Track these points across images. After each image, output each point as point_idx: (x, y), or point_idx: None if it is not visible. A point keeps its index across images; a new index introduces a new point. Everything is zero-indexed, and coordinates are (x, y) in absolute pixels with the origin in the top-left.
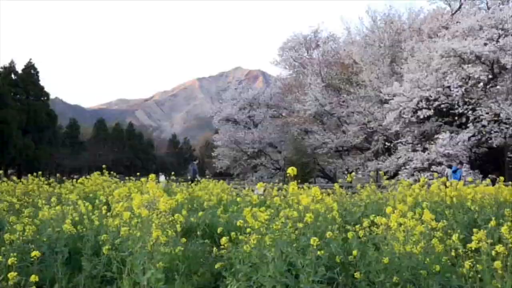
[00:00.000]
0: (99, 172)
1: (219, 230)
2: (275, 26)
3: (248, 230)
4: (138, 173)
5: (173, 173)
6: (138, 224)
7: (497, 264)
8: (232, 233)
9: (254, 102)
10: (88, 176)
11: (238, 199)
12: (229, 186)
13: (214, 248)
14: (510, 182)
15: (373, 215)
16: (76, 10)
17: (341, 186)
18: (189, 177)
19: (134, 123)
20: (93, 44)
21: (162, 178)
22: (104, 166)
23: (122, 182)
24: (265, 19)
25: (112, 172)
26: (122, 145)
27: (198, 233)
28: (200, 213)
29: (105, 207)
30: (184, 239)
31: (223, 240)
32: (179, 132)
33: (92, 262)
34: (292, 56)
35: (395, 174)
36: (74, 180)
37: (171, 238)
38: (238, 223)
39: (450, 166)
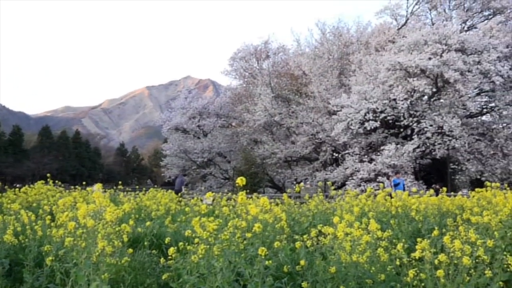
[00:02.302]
0: (43, 181)
1: (167, 240)
2: (226, 36)
3: (196, 240)
4: (84, 182)
5: (120, 182)
6: (83, 235)
7: (440, 272)
8: (180, 243)
9: (204, 111)
10: (31, 185)
11: (186, 209)
12: (177, 196)
13: (162, 259)
14: (452, 193)
15: (321, 225)
16: (20, 13)
17: (289, 196)
18: (175, 189)
19: (81, 131)
20: (39, 50)
21: (94, 188)
22: (48, 174)
23: (67, 191)
24: (216, 29)
25: (57, 181)
26: (68, 154)
27: (146, 243)
28: (148, 223)
29: (49, 217)
30: (130, 250)
31: (171, 250)
32: (127, 140)
33: (34, 274)
34: (242, 66)
35: (343, 184)
36: (17, 189)
37: (117, 248)
38: (186, 233)
39: (388, 178)
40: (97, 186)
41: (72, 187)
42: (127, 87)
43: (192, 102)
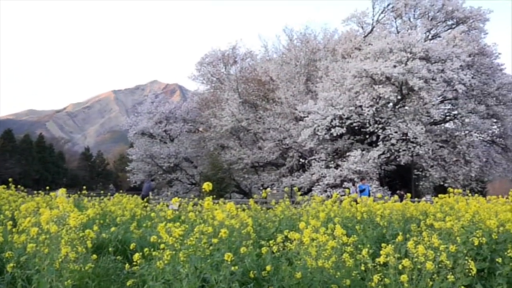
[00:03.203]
0: (4, 186)
1: (132, 246)
2: (193, 41)
3: (162, 246)
4: (47, 187)
5: (84, 187)
6: (46, 240)
7: (404, 277)
8: (146, 249)
9: (171, 116)
10: None
11: (152, 214)
12: (143, 201)
13: (126, 265)
14: (416, 199)
15: (287, 231)
16: None
17: (256, 202)
18: (142, 194)
19: (45, 135)
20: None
21: (58, 193)
22: (10, 179)
23: (30, 196)
24: (183, 33)
25: (19, 186)
26: (31, 158)
27: (110, 249)
28: (113, 229)
29: (11, 222)
30: (95, 256)
31: (136, 256)
32: (92, 145)
33: None
34: (210, 71)
35: (309, 190)
36: None
37: (81, 254)
38: (151, 239)
39: (354, 184)
40: (61, 191)
41: (35, 192)
42: (93, 91)
43: (159, 106)
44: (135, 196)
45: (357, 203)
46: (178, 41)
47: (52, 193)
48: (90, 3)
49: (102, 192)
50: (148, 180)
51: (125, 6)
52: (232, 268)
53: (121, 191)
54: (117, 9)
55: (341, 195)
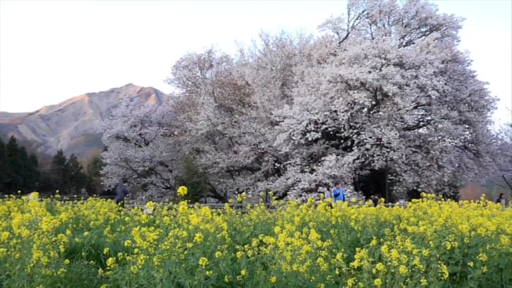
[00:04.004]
0: None
1: (105, 250)
2: (169, 44)
3: (136, 250)
4: (19, 191)
5: (57, 191)
6: (17, 245)
7: (377, 281)
8: (119, 254)
9: (146, 119)
10: None
11: (126, 218)
12: (117, 205)
13: (100, 270)
14: (390, 203)
15: (262, 235)
16: None
17: (231, 206)
18: (117, 198)
19: (17, 138)
20: None
21: (30, 196)
22: None
23: (0, 200)
24: (159, 36)
25: None
26: (2, 161)
27: (83, 254)
28: (86, 233)
29: None
30: (67, 261)
31: (109, 261)
32: (66, 148)
33: None
34: (185, 75)
35: (284, 194)
36: None
37: (53, 259)
38: (125, 243)
39: (328, 188)
40: (33, 195)
41: (6, 195)
42: (67, 94)
43: (133, 110)
44: (109, 200)
45: (331, 207)
46: (153, 44)
47: (23, 197)
48: (65, 4)
49: (75, 196)
50: (121, 184)
51: (99, 8)
52: (207, 272)
53: (94, 195)
54: (92, 11)
55: (316, 200)
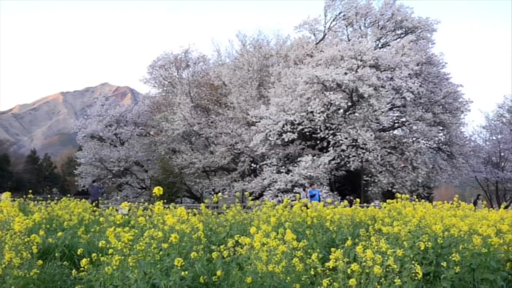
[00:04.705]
0: None
1: (79, 251)
2: (145, 44)
3: (110, 251)
4: None
5: (30, 191)
6: None
7: (352, 281)
8: (94, 254)
9: (121, 119)
10: None
11: (101, 219)
12: (92, 205)
13: (73, 271)
14: (365, 204)
15: (238, 235)
16: None
17: (207, 206)
18: (92, 199)
19: None
20: None
21: (2, 197)
22: None
23: None
24: (135, 35)
25: None
26: None
27: (57, 254)
28: (60, 234)
29: None
30: (40, 262)
31: (83, 261)
32: (39, 147)
33: None
34: (162, 75)
35: (260, 195)
36: None
37: (26, 260)
38: (100, 244)
39: (304, 189)
40: (5, 195)
41: None
42: (40, 92)
43: (109, 109)
44: (83, 200)
45: (307, 208)
46: (130, 43)
47: None
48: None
49: (49, 196)
50: (92, 184)
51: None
52: (182, 273)
53: (68, 195)
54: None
55: (292, 200)
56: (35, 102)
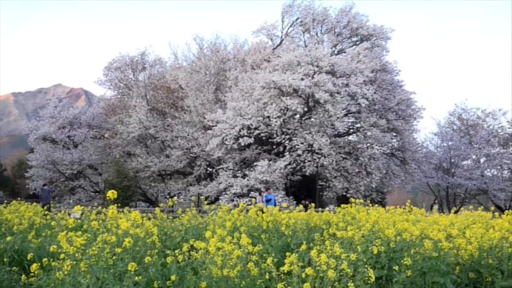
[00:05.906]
0: None
1: (29, 256)
2: (101, 45)
3: (62, 256)
4: None
5: None
6: None
7: (306, 285)
8: (44, 259)
9: (75, 121)
10: None
11: (52, 223)
12: (43, 209)
13: (23, 276)
14: (320, 208)
15: (193, 240)
16: None
17: (162, 210)
18: (43, 202)
19: None
20: None
21: None
22: None
23: None
24: (90, 36)
25: None
26: None
27: (5, 259)
28: (9, 238)
29: None
30: None
31: (34, 266)
32: None
33: None
34: (117, 77)
35: (216, 199)
36: None
37: None
38: (51, 249)
39: (260, 193)
40: None
41: None
42: None
43: (62, 111)
44: (34, 203)
45: (263, 212)
46: (84, 44)
47: None
48: None
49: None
50: (43, 188)
51: (27, 5)
52: (136, 278)
53: (19, 198)
54: (18, 8)
55: (248, 205)
56: None
